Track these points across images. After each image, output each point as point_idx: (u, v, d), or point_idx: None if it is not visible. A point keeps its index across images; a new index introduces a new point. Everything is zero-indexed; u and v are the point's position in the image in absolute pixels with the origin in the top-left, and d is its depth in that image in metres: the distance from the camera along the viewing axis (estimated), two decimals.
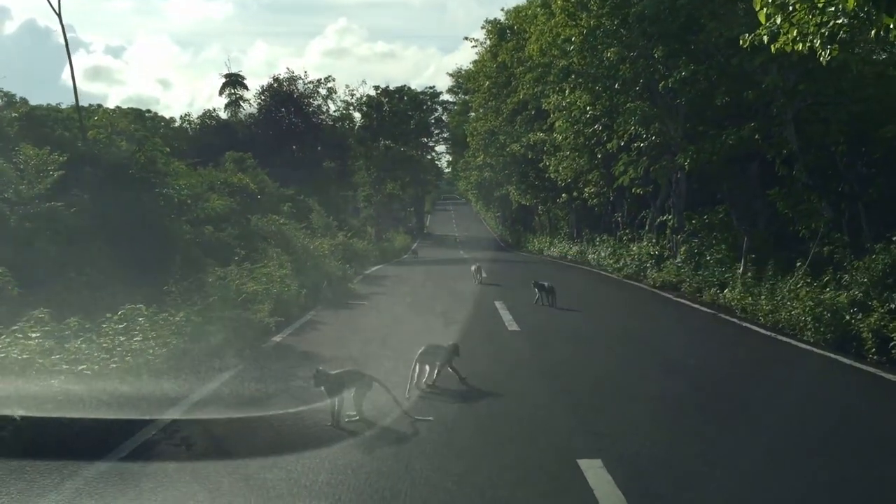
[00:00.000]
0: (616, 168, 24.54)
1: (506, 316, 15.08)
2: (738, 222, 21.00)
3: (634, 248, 26.11)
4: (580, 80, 23.59)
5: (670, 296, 19.44)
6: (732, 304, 16.34)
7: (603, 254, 31.06)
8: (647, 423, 7.61)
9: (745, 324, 14.52)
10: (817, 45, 9.23)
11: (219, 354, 10.21)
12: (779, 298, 14.74)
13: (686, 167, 19.63)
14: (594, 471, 5.98)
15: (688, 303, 18.04)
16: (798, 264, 15.28)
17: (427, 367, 8.76)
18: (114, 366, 7.81)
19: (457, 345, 9.21)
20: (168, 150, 16.86)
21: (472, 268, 24.37)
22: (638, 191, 24.93)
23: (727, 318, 15.38)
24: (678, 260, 21.36)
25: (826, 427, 7.66)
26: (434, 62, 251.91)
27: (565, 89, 25.17)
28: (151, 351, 8.82)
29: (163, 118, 58.37)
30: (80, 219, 13.66)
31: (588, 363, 10.85)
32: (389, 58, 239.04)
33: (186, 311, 10.59)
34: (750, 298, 15.63)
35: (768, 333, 13.37)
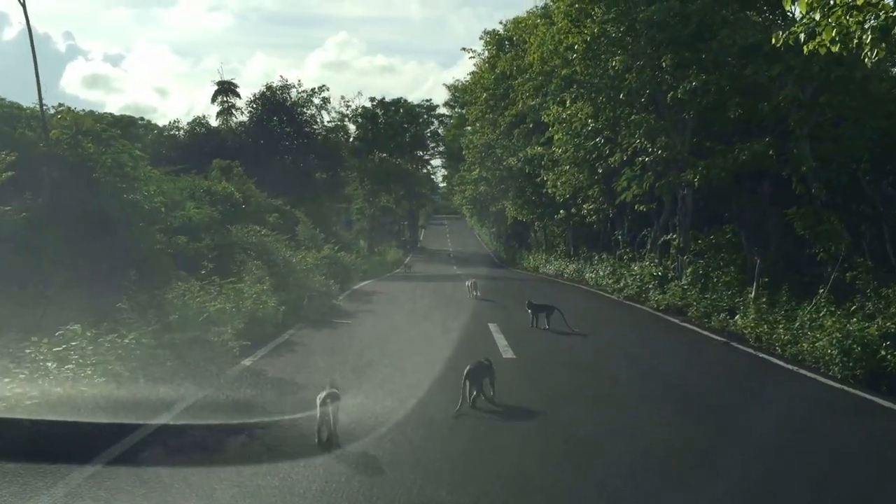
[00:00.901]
0: (618, 183, 23.30)
1: (500, 340, 13.80)
2: (747, 243, 19.84)
3: (636, 268, 24.88)
4: (582, 90, 22.43)
5: (676, 320, 18.18)
6: (745, 331, 15.10)
7: (602, 273, 29.82)
8: (669, 488, 6.36)
9: (761, 354, 13.26)
10: (866, 41, 8.01)
11: (171, 383, 8.89)
12: (798, 328, 13.58)
13: (695, 184, 18.42)
14: None
15: (695, 329, 16.78)
16: (821, 290, 14.09)
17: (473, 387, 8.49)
18: (29, 402, 6.51)
19: (490, 361, 9.08)
20: (138, 151, 15.52)
21: (468, 283, 24.08)
22: (641, 208, 23.67)
23: (741, 347, 14.12)
24: (684, 282, 20.13)
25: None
26: (432, 77, 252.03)
27: (566, 100, 24.00)
28: (86, 381, 7.52)
29: (156, 126, 57.25)
30: (31, 225, 12.37)
31: (592, 402, 9.53)
32: (388, 72, 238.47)
33: (138, 332, 9.30)
34: (765, 326, 14.40)
35: (789, 367, 12.12)
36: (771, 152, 17.29)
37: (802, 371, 11.75)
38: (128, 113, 54.99)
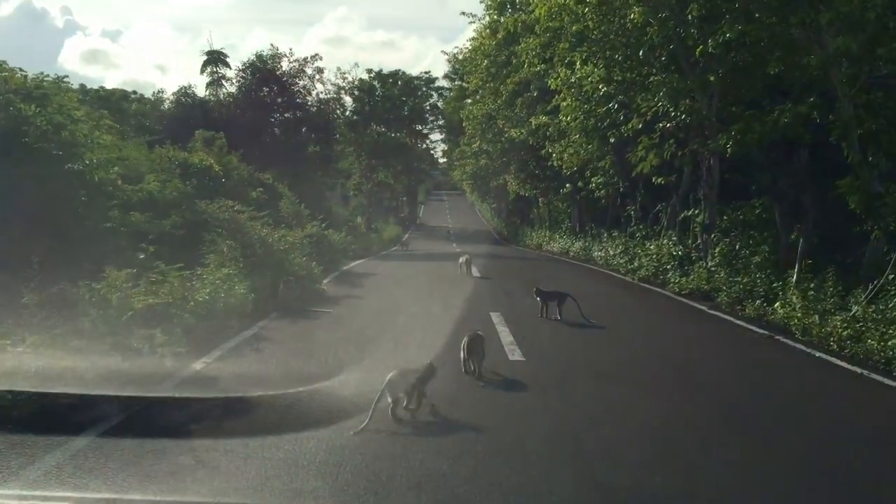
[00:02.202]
0: (635, 153, 20.91)
1: (505, 336, 11.59)
2: (781, 219, 17.63)
3: (652, 247, 22.63)
4: (595, 48, 20.06)
5: (703, 307, 16.03)
6: (790, 322, 12.97)
7: (612, 252, 27.64)
8: None
9: (816, 353, 11.09)
10: None
11: (76, 410, 6.79)
12: (856, 319, 11.46)
13: (728, 151, 16.09)
14: None
15: (728, 318, 14.63)
16: (889, 275, 11.95)
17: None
18: None
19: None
20: (80, 111, 13.25)
21: (460, 260, 22.55)
22: (659, 180, 21.31)
23: (788, 342, 11.96)
24: (710, 263, 17.92)
25: None
26: (433, 52, 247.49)
27: (576, 61, 21.63)
28: None
29: (149, 100, 54.81)
30: None
31: (626, 426, 7.37)
32: (388, 47, 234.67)
33: (38, 337, 7.15)
34: (816, 317, 12.26)
35: (855, 369, 9.96)
36: (815, 115, 15.00)
37: (874, 376, 9.60)
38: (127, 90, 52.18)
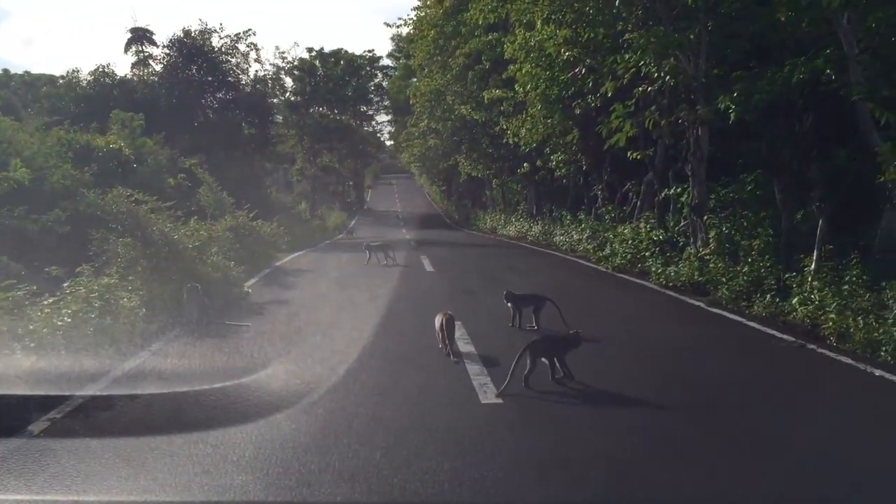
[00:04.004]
0: (606, 125, 18.03)
1: (472, 362, 8.77)
2: (781, 197, 15.19)
3: (627, 231, 20.07)
4: (558, 3, 17.29)
5: (701, 303, 13.50)
6: (821, 326, 10.51)
7: (577, 236, 25.12)
8: None
9: (871, 369, 8.55)
10: None
11: None
12: None
13: (732, 116, 13.48)
14: None
15: (735, 317, 12.09)
16: None
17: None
18: None
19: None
20: None
21: (370, 244, 21.35)
22: (635, 155, 18.63)
23: (826, 353, 9.45)
24: (703, 250, 15.39)
25: None
26: (379, 32, 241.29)
27: (536, 20, 18.85)
28: None
29: (68, 82, 50.62)
30: None
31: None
32: (331, 26, 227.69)
33: None
34: (859, 320, 9.77)
35: None
36: (829, 70, 12.51)
37: None
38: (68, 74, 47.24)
